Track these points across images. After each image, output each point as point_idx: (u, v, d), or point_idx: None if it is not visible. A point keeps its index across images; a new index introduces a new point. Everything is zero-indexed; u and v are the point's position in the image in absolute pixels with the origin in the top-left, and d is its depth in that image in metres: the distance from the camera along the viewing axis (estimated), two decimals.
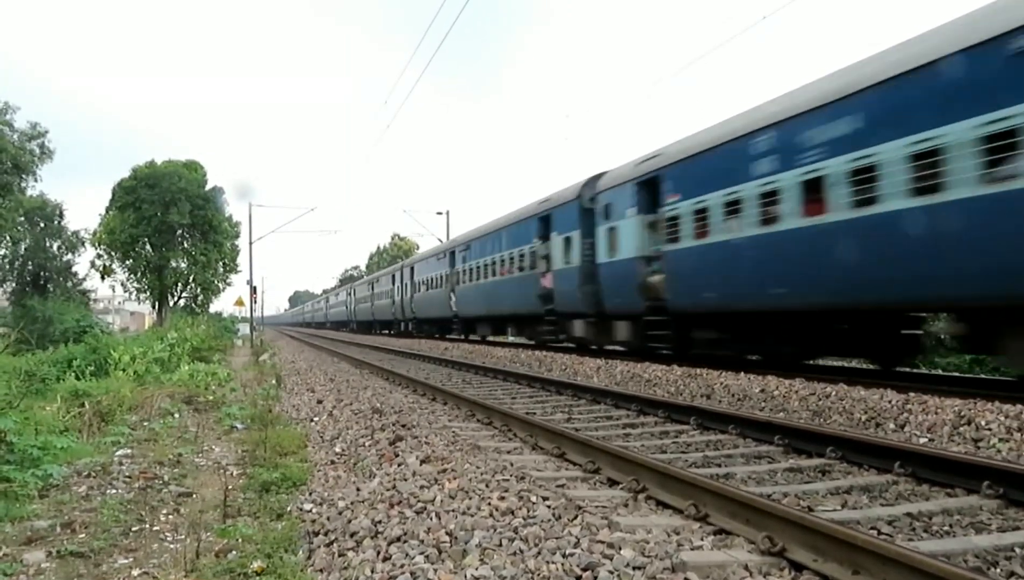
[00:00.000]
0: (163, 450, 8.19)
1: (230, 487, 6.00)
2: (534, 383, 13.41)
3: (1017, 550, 4.04)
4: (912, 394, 8.40)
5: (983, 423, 7.02)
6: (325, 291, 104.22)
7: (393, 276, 43.26)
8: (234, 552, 4.64)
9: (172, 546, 5.05)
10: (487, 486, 5.41)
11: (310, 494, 5.94)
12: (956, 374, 14.52)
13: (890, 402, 8.25)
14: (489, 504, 4.88)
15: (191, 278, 57.41)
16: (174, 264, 56.35)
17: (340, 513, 5.16)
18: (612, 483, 5.76)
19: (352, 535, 4.61)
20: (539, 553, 3.95)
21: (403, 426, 8.45)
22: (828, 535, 3.71)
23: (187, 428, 9.99)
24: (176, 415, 11.12)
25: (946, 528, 4.56)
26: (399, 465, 6.43)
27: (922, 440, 7.17)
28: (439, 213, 47.35)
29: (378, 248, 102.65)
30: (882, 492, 5.47)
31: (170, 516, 5.76)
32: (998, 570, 3.80)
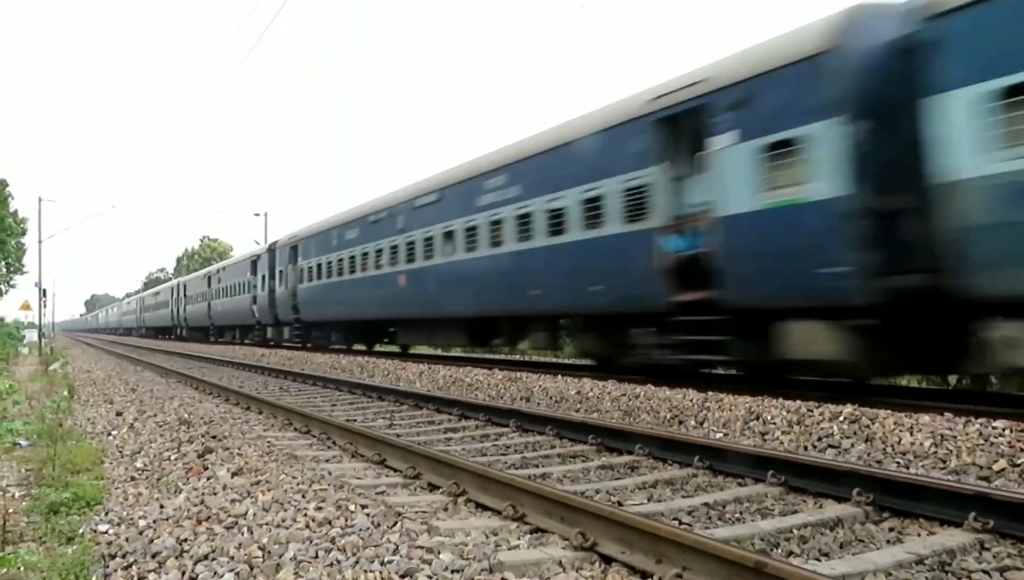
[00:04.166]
0: None
1: (11, 510, 5.42)
2: (355, 389, 13.18)
3: (795, 531, 4.49)
4: (711, 393, 9.07)
5: (769, 418, 7.72)
6: (128, 294, 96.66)
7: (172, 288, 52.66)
8: None
9: None
10: (303, 496, 5.25)
11: (106, 514, 5.47)
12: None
13: (691, 401, 8.86)
14: (305, 515, 4.73)
15: None
16: None
17: (141, 533, 4.79)
18: (432, 488, 5.78)
19: (154, 556, 4.30)
20: (357, 562, 3.88)
21: (214, 437, 8.00)
22: (635, 528, 3.93)
23: None
24: None
25: (737, 515, 4.98)
26: (208, 479, 6.08)
27: (718, 435, 7.77)
28: (256, 214, 45.46)
29: (186, 250, 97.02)
30: (683, 484, 5.88)
31: None
32: (779, 550, 4.21)
